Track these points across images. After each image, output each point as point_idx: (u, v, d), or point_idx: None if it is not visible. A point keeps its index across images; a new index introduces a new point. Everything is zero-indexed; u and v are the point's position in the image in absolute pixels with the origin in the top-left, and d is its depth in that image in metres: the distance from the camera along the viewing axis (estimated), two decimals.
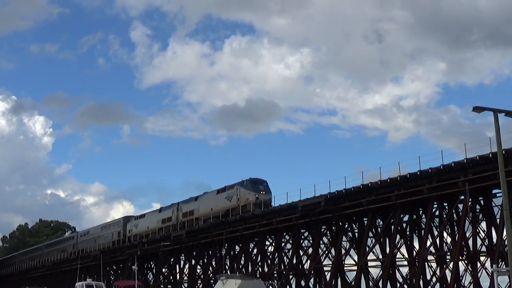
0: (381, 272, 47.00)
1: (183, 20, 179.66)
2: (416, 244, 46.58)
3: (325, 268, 52.85)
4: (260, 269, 58.76)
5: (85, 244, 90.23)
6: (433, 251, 43.87)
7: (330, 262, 51.60)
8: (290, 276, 55.05)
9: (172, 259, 71.91)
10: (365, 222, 48.92)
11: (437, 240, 44.37)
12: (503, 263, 37.15)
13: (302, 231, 55.63)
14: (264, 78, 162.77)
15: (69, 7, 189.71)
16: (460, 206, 41.17)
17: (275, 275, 55.68)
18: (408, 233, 47.47)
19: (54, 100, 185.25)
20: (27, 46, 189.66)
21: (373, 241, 48.04)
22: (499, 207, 39.24)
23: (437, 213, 44.30)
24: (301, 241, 56.42)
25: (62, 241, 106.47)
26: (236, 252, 63.63)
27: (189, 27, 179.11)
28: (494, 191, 41.08)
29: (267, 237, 59.26)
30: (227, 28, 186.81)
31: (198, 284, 67.31)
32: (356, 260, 48.90)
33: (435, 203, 42.76)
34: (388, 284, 45.37)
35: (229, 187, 61.11)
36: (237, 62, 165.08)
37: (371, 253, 47.37)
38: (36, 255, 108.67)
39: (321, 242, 53.39)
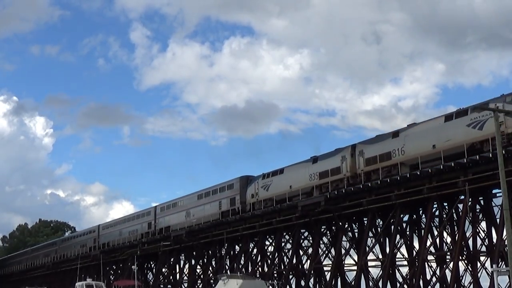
0: (381, 272, 46.99)
1: (182, 22, 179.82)
2: (416, 244, 46.60)
3: (325, 268, 52.88)
4: (260, 269, 58.76)
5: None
6: (433, 251, 43.86)
7: (330, 262, 51.60)
8: (290, 276, 55.04)
9: (172, 259, 71.90)
10: (365, 222, 48.92)
11: (437, 240, 44.36)
12: (503, 263, 37.17)
13: (302, 231, 55.62)
14: (263, 79, 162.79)
15: (69, 9, 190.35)
16: (460, 206, 41.16)
17: (275, 275, 55.69)
18: (408, 233, 47.47)
19: (55, 101, 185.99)
20: (28, 48, 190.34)
21: (373, 241, 48.04)
22: (499, 207, 39.23)
23: (437, 213, 44.28)
24: (301, 241, 56.41)
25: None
26: (236, 252, 63.63)
27: (188, 29, 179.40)
28: (494, 191, 41.06)
29: (267, 237, 59.27)
30: (226, 29, 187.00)
31: (198, 284, 67.31)
32: (356, 260, 48.89)
33: (435, 203, 42.74)
34: (388, 284, 45.36)
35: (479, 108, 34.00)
36: (236, 63, 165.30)
37: (371, 253, 47.38)
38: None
39: (321, 242, 53.39)
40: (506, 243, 27.03)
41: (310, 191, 49.74)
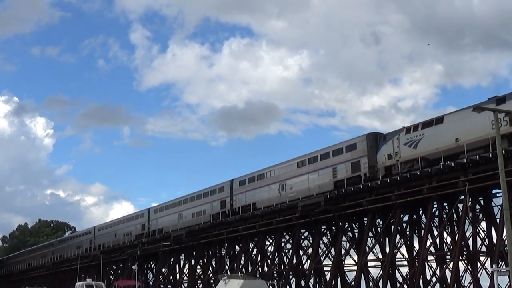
0: (381, 272, 46.99)
1: (182, 23, 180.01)
2: (416, 244, 46.59)
3: (325, 268, 52.88)
4: (260, 269, 58.77)
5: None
6: (433, 251, 43.87)
7: (330, 262, 51.60)
8: (290, 276, 55.05)
9: (172, 259, 71.90)
10: (365, 222, 48.92)
11: (437, 240, 44.37)
12: (503, 263, 37.15)
13: (302, 231, 55.63)
14: (263, 79, 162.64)
15: (70, 11, 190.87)
16: (460, 206, 41.17)
17: (275, 275, 55.69)
18: (408, 233, 47.46)
19: (56, 102, 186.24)
20: (29, 49, 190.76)
21: (373, 241, 48.04)
22: (499, 207, 39.24)
23: (437, 213, 44.29)
24: (301, 241, 56.42)
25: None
26: (236, 252, 63.63)
27: (188, 30, 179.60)
28: (494, 191, 41.07)
29: (267, 237, 59.27)
30: (226, 30, 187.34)
31: (198, 284, 67.32)
32: (356, 260, 48.90)
33: (435, 203, 42.75)
34: (388, 284, 45.37)
35: None
36: (236, 64, 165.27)
37: (371, 253, 47.39)
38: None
39: (321, 242, 53.40)
40: (506, 243, 27.02)
41: (486, 145, 36.76)
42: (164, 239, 67.74)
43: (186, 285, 69.23)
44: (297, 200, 50.88)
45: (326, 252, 53.57)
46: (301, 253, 55.58)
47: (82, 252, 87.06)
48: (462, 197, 40.19)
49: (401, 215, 45.85)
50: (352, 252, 50.42)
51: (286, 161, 54.46)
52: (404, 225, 47.63)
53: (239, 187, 59.64)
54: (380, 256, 47.47)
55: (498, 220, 39.17)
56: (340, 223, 49.45)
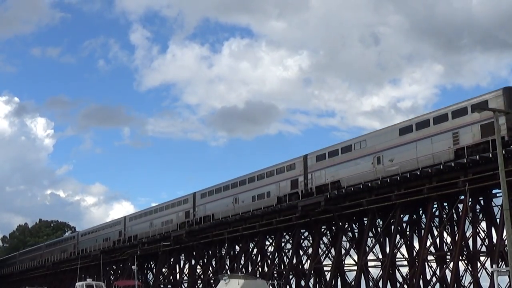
0: (381, 272, 47.00)
1: (182, 23, 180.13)
2: (416, 244, 46.61)
3: (325, 268, 52.88)
4: (260, 269, 58.78)
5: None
6: (433, 251, 43.87)
7: (330, 262, 51.61)
8: (290, 276, 55.06)
9: (172, 259, 71.90)
10: (365, 222, 48.92)
11: (437, 240, 44.37)
12: (503, 263, 37.17)
13: (302, 231, 55.63)
14: (262, 80, 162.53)
15: (70, 12, 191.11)
16: (460, 206, 41.17)
17: (275, 275, 55.69)
18: (408, 233, 47.48)
19: (56, 102, 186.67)
20: (30, 50, 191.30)
21: (373, 241, 48.05)
22: (499, 207, 39.24)
23: (437, 213, 44.29)
24: (301, 241, 56.42)
25: None
26: (236, 252, 63.63)
27: (188, 31, 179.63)
28: (494, 191, 41.09)
29: (267, 237, 59.27)
30: (226, 31, 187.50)
31: (198, 284, 67.33)
32: (356, 260, 48.90)
33: (435, 203, 42.75)
34: (388, 284, 45.38)
35: None
36: (236, 65, 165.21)
37: (371, 253, 47.39)
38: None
39: (321, 242, 53.40)
40: (506, 243, 27.03)
41: None
42: (164, 239, 67.74)
43: (186, 285, 69.27)
44: (297, 201, 50.81)
45: (326, 252, 53.61)
46: (301, 253, 55.59)
47: (109, 245, 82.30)
48: (462, 197, 40.20)
49: (401, 215, 45.86)
50: (352, 252, 50.45)
51: (382, 128, 47.30)
52: (404, 225, 47.64)
53: (316, 163, 51.09)
54: (380, 256, 47.47)
55: (498, 220, 39.19)
56: (340, 223, 49.45)
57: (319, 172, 50.15)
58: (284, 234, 57.16)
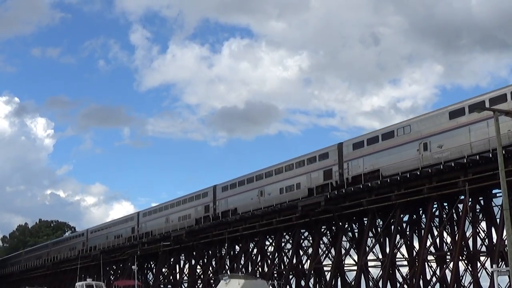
0: (381, 272, 46.99)
1: (182, 24, 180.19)
2: (416, 244, 46.62)
3: (325, 268, 52.88)
4: (260, 269, 58.77)
5: None
6: (433, 251, 43.87)
7: (330, 262, 51.60)
8: (290, 276, 55.05)
9: (172, 259, 71.90)
10: (365, 222, 48.92)
11: (437, 240, 44.37)
12: (503, 263, 37.15)
13: (302, 231, 55.62)
14: (262, 80, 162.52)
15: (70, 12, 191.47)
16: (460, 206, 41.17)
17: (275, 275, 55.68)
18: (408, 233, 47.48)
19: (56, 102, 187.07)
20: (30, 50, 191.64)
21: (373, 241, 48.05)
22: (499, 207, 39.24)
23: (437, 213, 44.30)
24: (301, 241, 56.41)
25: None
26: (236, 252, 63.63)
27: (188, 31, 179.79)
28: (494, 191, 41.09)
29: (267, 237, 59.26)
30: (225, 31, 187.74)
31: (198, 284, 67.32)
32: (356, 260, 48.90)
33: (435, 203, 42.76)
34: (388, 284, 45.37)
35: None
36: (236, 65, 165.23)
37: (371, 253, 47.39)
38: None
39: (321, 242, 53.39)
40: (506, 243, 27.02)
41: None
42: (164, 239, 67.72)
43: (186, 285, 69.26)
44: (297, 201, 50.80)
45: (326, 252, 53.60)
46: (301, 253, 55.58)
47: (122, 242, 79.61)
48: (462, 197, 40.19)
49: (401, 215, 45.86)
50: (352, 252, 50.47)
51: (429, 112, 44.28)
52: (404, 225, 47.64)
53: (352, 151, 48.04)
54: (380, 256, 47.47)
55: (498, 220, 39.19)
56: (340, 223, 49.44)
57: (356, 161, 46.89)
58: (284, 234, 57.14)
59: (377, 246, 48.10)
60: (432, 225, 44.56)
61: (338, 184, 47.93)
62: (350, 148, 48.00)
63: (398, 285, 46.45)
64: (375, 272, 49.13)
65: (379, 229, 48.33)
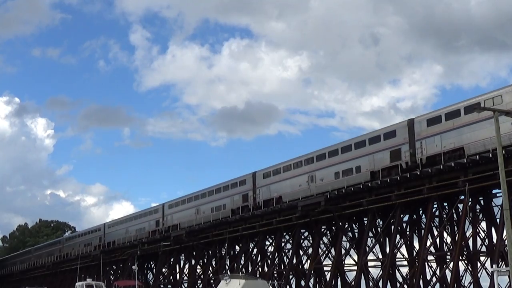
0: (381, 272, 46.99)
1: (182, 24, 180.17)
2: (416, 244, 46.62)
3: (325, 268, 52.88)
4: (260, 269, 58.76)
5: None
6: (433, 251, 43.88)
7: (330, 262, 51.60)
8: (290, 276, 55.05)
9: (172, 259, 71.91)
10: (365, 222, 48.92)
11: (437, 240, 44.38)
12: (503, 263, 37.17)
13: (302, 231, 55.61)
14: (262, 80, 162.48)
15: (70, 13, 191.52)
16: (460, 206, 41.17)
17: (275, 275, 55.68)
18: (408, 233, 47.48)
19: (56, 103, 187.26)
20: (30, 51, 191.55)
21: (373, 241, 48.05)
22: (499, 207, 39.25)
23: (437, 213, 44.30)
24: (301, 241, 56.41)
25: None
26: (236, 252, 63.63)
27: (187, 31, 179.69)
28: (494, 191, 41.10)
29: (267, 237, 59.25)
30: (225, 31, 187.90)
31: (198, 284, 67.33)
32: (356, 260, 48.91)
33: (435, 203, 42.75)
34: (388, 284, 45.37)
35: None
36: (235, 65, 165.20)
37: (371, 253, 47.40)
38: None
39: (321, 242, 53.40)
40: (506, 243, 27.02)
41: None
42: (164, 239, 67.72)
43: (186, 285, 69.25)
44: (297, 201, 50.79)
45: (326, 252, 53.58)
46: (301, 253, 55.59)
47: (145, 236, 74.63)
48: (462, 197, 40.19)
49: (401, 215, 45.86)
50: (352, 252, 50.48)
51: None
52: (404, 225, 47.65)
53: (426, 128, 42.61)
54: (380, 256, 47.49)
55: (498, 220, 39.19)
56: (340, 223, 49.44)
57: (432, 138, 41.74)
58: (284, 234, 57.13)
59: (377, 246, 48.16)
60: (432, 225, 44.57)
61: (409, 166, 43.03)
62: (423, 125, 42.71)
63: (398, 285, 46.47)
64: (375, 272, 49.23)
65: (379, 229, 48.35)
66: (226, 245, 61.06)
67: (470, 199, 39.32)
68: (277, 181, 55.21)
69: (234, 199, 60.62)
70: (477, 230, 42.01)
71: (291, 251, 55.59)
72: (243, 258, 61.35)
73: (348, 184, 46.86)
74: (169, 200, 73.11)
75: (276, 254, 57.93)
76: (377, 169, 45.11)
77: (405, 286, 45.55)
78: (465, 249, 41.91)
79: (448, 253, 43.58)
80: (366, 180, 45.63)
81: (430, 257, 44.38)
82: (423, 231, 44.50)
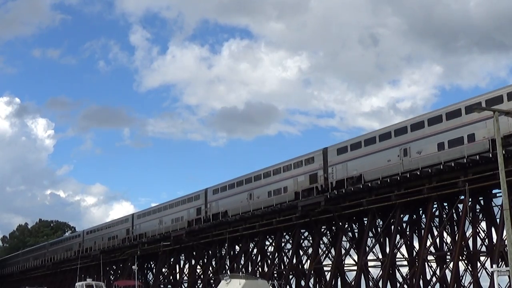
0: (381, 272, 46.99)
1: (182, 25, 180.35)
2: (416, 244, 46.62)
3: (325, 268, 52.87)
4: (260, 269, 58.76)
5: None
6: (433, 251, 43.87)
7: (330, 262, 51.60)
8: (290, 276, 55.05)
9: (172, 259, 71.90)
10: (365, 222, 48.91)
11: (437, 240, 44.37)
12: (503, 263, 37.16)
13: (302, 231, 55.62)
14: (262, 81, 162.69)
15: (70, 14, 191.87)
16: (460, 206, 41.17)
17: (275, 275, 55.68)
18: (408, 233, 47.47)
19: (57, 103, 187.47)
20: (30, 51, 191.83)
21: (373, 241, 48.05)
22: (499, 207, 39.25)
23: (437, 213, 44.30)
24: (301, 241, 56.41)
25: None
26: (236, 252, 63.63)
27: (187, 32, 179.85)
28: (494, 191, 41.10)
29: (267, 237, 59.25)
30: (225, 32, 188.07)
31: (198, 284, 67.32)
32: (356, 260, 48.90)
33: (435, 203, 42.75)
34: (388, 284, 45.37)
35: None
36: (235, 65, 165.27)
37: (371, 253, 47.39)
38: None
39: (321, 242, 53.39)
40: (506, 243, 27.02)
41: None
42: (164, 239, 67.72)
43: (186, 285, 69.24)
44: (297, 201, 50.79)
45: (326, 252, 53.59)
46: (301, 253, 55.57)
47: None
48: (462, 197, 40.19)
49: (401, 215, 45.86)
50: (352, 252, 50.46)
51: None
52: (404, 225, 47.64)
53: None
54: (380, 256, 47.48)
55: (498, 220, 39.19)
56: (340, 223, 49.44)
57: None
58: (284, 234, 57.14)
59: (377, 246, 48.15)
60: (432, 225, 44.57)
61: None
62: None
63: (398, 285, 46.46)
64: (375, 272, 49.23)
65: (379, 229, 48.34)
66: (226, 245, 61.07)
67: (470, 199, 39.33)
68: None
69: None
70: (477, 230, 42.02)
71: (291, 251, 55.59)
72: (243, 258, 61.34)
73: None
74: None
75: (276, 254, 57.93)
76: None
77: (405, 286, 45.54)
78: (465, 249, 41.92)
79: (448, 253, 43.58)
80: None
81: (430, 257, 44.38)
82: (423, 231, 44.51)
